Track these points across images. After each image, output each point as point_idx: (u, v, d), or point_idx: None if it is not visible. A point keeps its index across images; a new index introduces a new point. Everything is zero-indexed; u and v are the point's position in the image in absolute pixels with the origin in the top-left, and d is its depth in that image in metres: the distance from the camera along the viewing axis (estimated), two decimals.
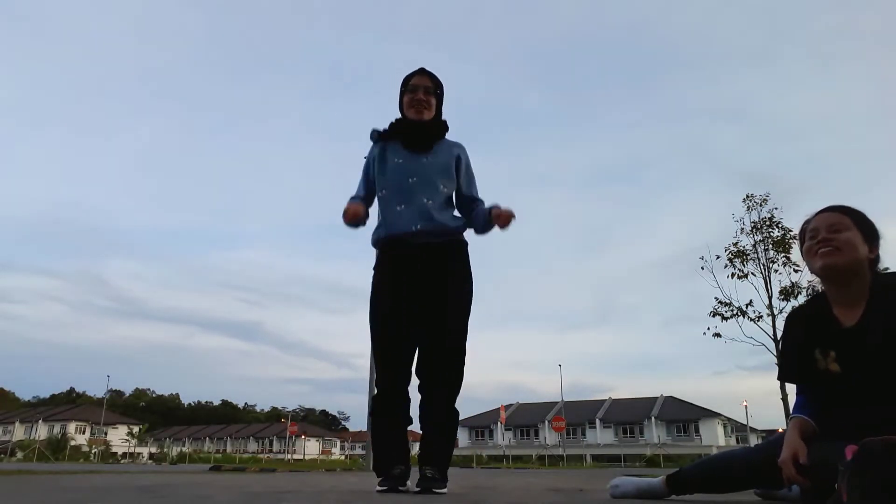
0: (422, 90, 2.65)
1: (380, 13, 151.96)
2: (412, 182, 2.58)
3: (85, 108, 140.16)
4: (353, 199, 2.68)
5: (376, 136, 2.73)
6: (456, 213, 2.71)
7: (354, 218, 2.57)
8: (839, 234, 1.73)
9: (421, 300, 2.51)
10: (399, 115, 2.74)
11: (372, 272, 2.65)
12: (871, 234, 1.75)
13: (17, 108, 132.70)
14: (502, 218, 2.53)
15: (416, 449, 7.60)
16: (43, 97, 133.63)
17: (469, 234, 2.71)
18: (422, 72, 2.71)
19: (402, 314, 2.50)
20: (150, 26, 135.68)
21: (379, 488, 2.37)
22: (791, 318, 1.94)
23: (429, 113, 2.68)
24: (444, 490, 2.37)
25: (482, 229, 2.68)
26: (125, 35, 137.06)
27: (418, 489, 2.34)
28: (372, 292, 2.59)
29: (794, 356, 1.85)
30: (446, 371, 2.51)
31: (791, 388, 2.01)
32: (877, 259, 1.75)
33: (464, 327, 2.53)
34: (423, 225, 2.53)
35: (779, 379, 1.97)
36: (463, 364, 2.53)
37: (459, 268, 2.60)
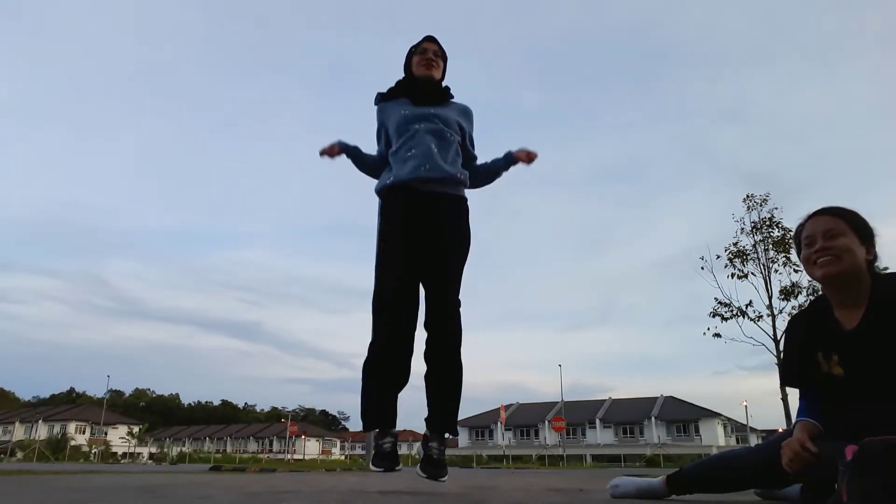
0: (431, 52, 2.71)
1: (380, 12, 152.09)
2: (419, 128, 2.56)
3: (85, 108, 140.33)
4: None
5: (379, 98, 2.74)
6: (461, 166, 2.67)
7: (329, 151, 2.67)
8: (836, 240, 1.71)
9: (422, 249, 2.47)
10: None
11: (377, 219, 2.60)
12: (867, 235, 1.75)
13: (17, 108, 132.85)
14: (527, 156, 2.67)
15: (416, 448, 7.56)
16: (43, 97, 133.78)
17: (470, 193, 2.73)
18: (430, 38, 2.75)
19: (407, 261, 2.45)
20: (150, 26, 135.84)
21: (374, 468, 2.30)
22: (792, 323, 1.94)
23: (437, 72, 2.72)
24: (446, 478, 2.33)
25: (493, 175, 2.77)
26: (125, 35, 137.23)
27: (423, 475, 2.28)
28: (378, 239, 2.54)
29: (796, 360, 1.85)
30: (448, 322, 2.46)
31: (791, 389, 2.01)
32: (874, 258, 1.75)
33: (459, 280, 2.52)
34: (429, 168, 2.50)
35: (781, 384, 1.97)
36: (460, 315, 2.49)
37: (460, 223, 2.58)
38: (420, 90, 2.68)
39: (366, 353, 2.42)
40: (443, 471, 2.32)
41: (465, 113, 2.76)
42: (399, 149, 2.58)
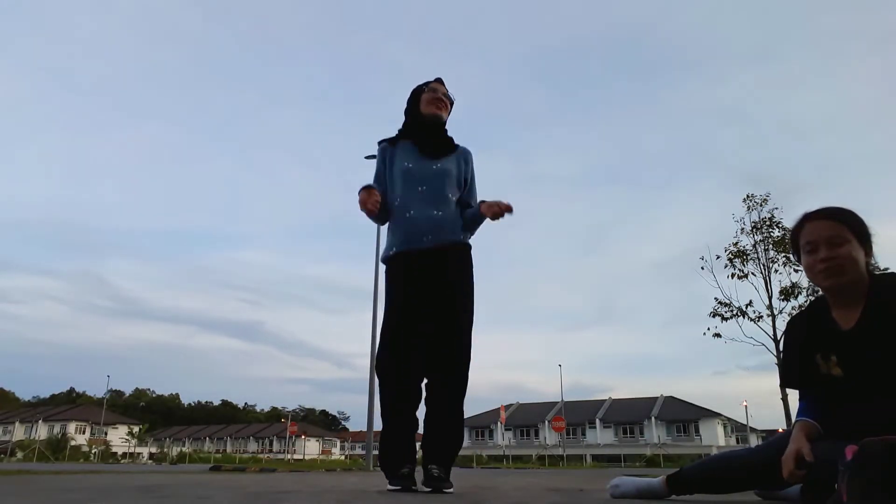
0: (441, 93, 2.72)
1: (381, 12, 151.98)
2: (422, 191, 2.59)
3: (85, 108, 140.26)
4: (364, 186, 2.63)
5: (384, 143, 2.75)
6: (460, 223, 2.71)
7: (371, 203, 2.51)
8: (840, 248, 1.69)
9: (429, 302, 2.54)
10: (406, 120, 2.77)
11: (384, 278, 2.67)
12: (866, 238, 1.74)
13: (17, 108, 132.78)
14: (492, 209, 2.53)
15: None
16: (43, 97, 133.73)
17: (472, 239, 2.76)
18: (440, 80, 2.77)
19: (416, 315, 2.53)
20: (150, 26, 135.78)
21: (391, 488, 2.41)
22: (791, 324, 1.94)
23: (445, 113, 2.74)
24: (452, 489, 2.38)
25: (470, 227, 2.72)
26: (126, 34, 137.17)
27: (428, 489, 2.36)
28: (387, 299, 2.62)
29: (795, 362, 1.85)
30: (453, 370, 2.53)
31: (791, 389, 2.00)
32: (870, 258, 1.75)
33: (469, 330, 2.56)
34: (432, 238, 2.55)
35: (781, 386, 1.97)
36: (468, 366, 2.55)
37: (464, 272, 2.63)
38: (427, 135, 2.68)
39: (387, 399, 2.55)
40: (447, 483, 2.38)
41: (466, 160, 2.76)
42: (402, 207, 2.60)
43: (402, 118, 2.81)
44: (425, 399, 2.57)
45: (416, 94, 2.74)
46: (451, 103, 2.77)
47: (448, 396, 2.53)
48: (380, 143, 2.77)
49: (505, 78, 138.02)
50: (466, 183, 2.75)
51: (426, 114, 2.69)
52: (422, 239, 2.55)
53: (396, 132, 2.77)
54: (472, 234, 2.75)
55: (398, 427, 2.51)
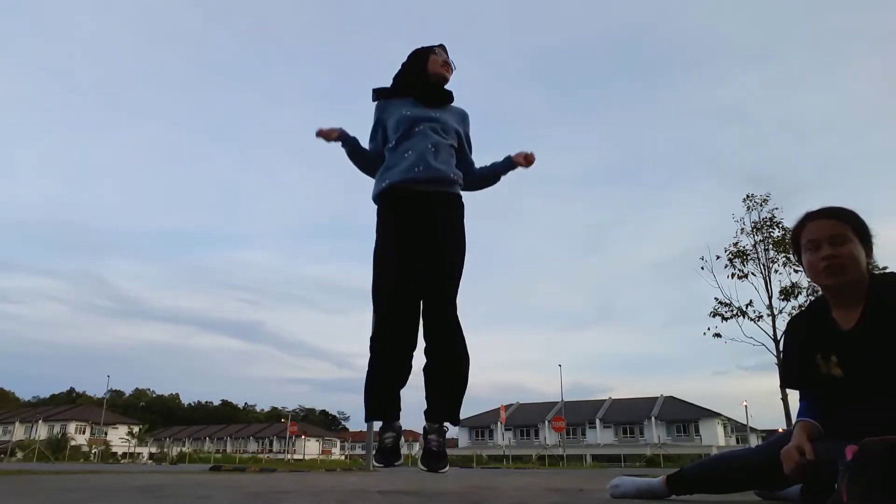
0: (445, 58, 2.76)
1: (381, 12, 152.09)
2: (419, 130, 2.60)
3: (85, 108, 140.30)
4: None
5: (376, 94, 2.75)
6: (456, 166, 2.69)
7: (326, 134, 2.65)
8: (842, 247, 1.70)
9: (420, 248, 2.50)
10: (402, 73, 2.77)
11: (376, 222, 2.62)
12: (867, 238, 1.75)
13: (17, 107, 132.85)
14: (525, 159, 2.72)
15: (416, 450, 7.56)
16: (43, 97, 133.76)
17: (471, 194, 2.77)
18: (444, 48, 2.79)
19: (403, 260, 2.49)
20: (150, 26, 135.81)
21: (376, 464, 2.36)
22: (791, 324, 1.94)
23: (450, 76, 2.78)
24: (447, 469, 2.33)
25: (491, 179, 2.82)
26: (126, 34, 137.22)
27: (424, 468, 2.29)
28: (377, 239, 2.57)
29: (795, 362, 1.85)
30: (448, 323, 2.47)
31: (791, 389, 2.01)
32: (871, 258, 1.75)
33: (458, 279, 2.52)
34: (422, 169, 2.53)
35: (781, 386, 1.97)
36: (457, 314, 2.49)
37: (455, 220, 2.61)
38: (430, 89, 2.71)
39: (368, 350, 2.46)
40: (442, 462, 2.32)
41: (464, 118, 2.80)
42: (396, 147, 2.61)
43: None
44: (425, 349, 2.47)
45: (422, 54, 2.76)
46: (453, 71, 2.81)
47: (449, 343, 2.45)
48: (375, 93, 2.76)
49: (505, 78, 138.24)
50: (464, 140, 2.76)
51: (433, 73, 2.72)
52: (413, 169, 2.53)
53: (391, 86, 2.76)
54: (488, 186, 2.84)
55: (387, 378, 2.41)
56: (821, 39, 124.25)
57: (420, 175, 2.53)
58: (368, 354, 2.46)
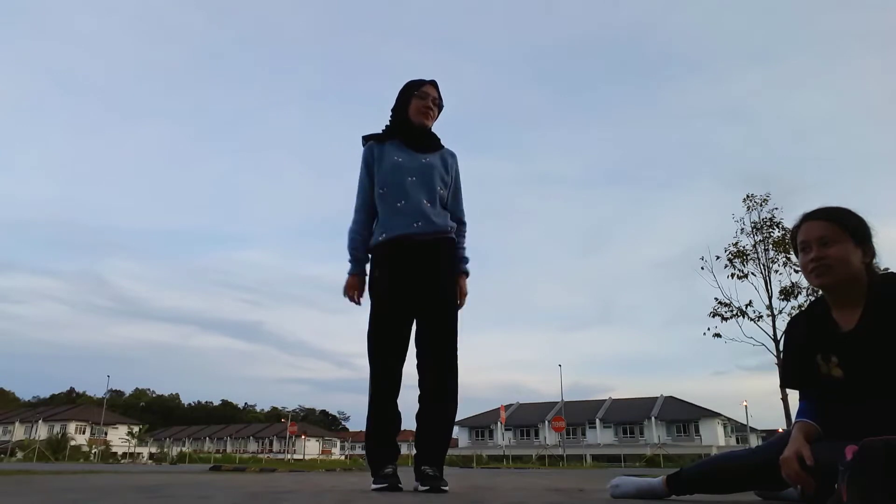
0: (430, 99, 2.76)
1: (381, 12, 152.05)
2: (411, 181, 2.64)
3: (85, 108, 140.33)
4: (351, 264, 2.70)
5: (366, 139, 2.79)
6: (447, 214, 2.76)
7: (356, 299, 2.67)
8: (829, 248, 1.72)
9: (416, 294, 2.58)
10: (392, 117, 2.81)
11: (370, 268, 2.70)
12: (862, 237, 1.74)
13: (17, 107, 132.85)
14: (461, 294, 2.71)
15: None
16: (43, 97, 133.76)
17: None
18: (434, 84, 2.80)
19: (401, 308, 2.58)
20: (150, 26, 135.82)
21: (376, 486, 2.40)
22: (791, 325, 1.94)
23: (432, 122, 2.81)
24: (447, 488, 2.38)
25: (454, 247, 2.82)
26: (126, 34, 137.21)
27: (426, 488, 2.36)
28: (372, 290, 2.65)
29: (795, 363, 1.85)
30: (446, 366, 2.56)
31: (791, 390, 2.01)
32: (872, 257, 1.75)
33: (455, 321, 2.62)
34: (421, 225, 2.60)
35: (781, 386, 1.97)
36: (456, 354, 2.59)
37: (450, 263, 2.70)
38: (414, 136, 2.74)
39: (374, 393, 2.56)
40: (442, 482, 2.38)
41: (451, 158, 2.83)
42: (389, 198, 2.64)
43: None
44: (419, 396, 2.59)
45: (407, 95, 2.76)
46: (441, 108, 2.82)
47: (448, 392, 2.56)
48: (365, 140, 2.78)
49: (505, 78, 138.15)
50: (452, 180, 2.80)
51: (414, 122, 2.75)
52: (412, 224, 2.59)
53: (383, 130, 2.80)
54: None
55: (385, 423, 2.55)
56: (821, 39, 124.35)
57: (418, 230, 2.60)
58: (367, 407, 2.56)
